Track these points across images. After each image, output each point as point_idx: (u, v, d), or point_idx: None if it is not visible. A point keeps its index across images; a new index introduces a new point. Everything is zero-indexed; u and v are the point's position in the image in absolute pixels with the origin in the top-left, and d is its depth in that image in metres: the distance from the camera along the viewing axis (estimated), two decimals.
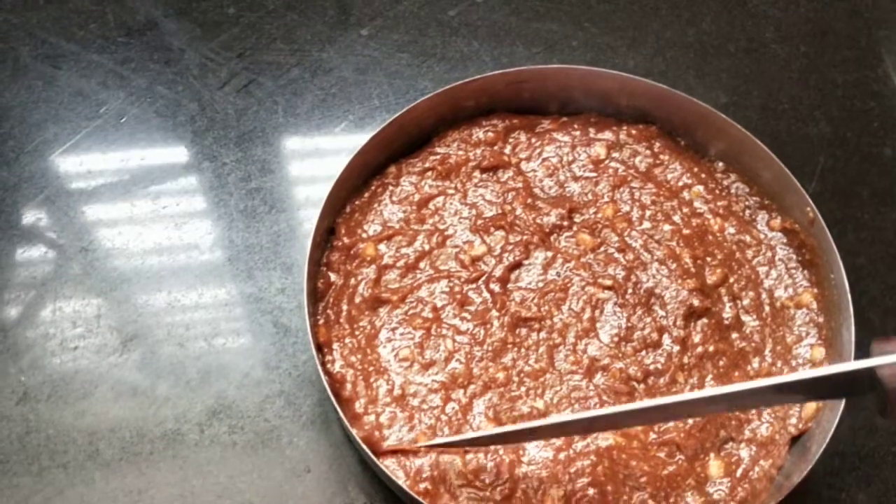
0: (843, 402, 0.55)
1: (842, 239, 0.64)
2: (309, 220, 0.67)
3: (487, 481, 0.55)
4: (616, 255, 0.63)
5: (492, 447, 0.55)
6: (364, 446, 0.53)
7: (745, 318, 0.62)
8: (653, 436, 0.57)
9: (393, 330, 0.60)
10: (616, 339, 0.60)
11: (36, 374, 0.61)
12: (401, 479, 0.53)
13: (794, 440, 0.58)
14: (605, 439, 0.56)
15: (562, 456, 0.56)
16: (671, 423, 0.57)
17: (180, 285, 0.65)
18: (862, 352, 0.58)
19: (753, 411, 0.58)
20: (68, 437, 0.59)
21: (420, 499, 0.52)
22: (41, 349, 0.62)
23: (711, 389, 0.49)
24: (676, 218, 0.65)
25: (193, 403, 0.60)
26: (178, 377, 0.61)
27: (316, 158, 0.71)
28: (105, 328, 0.63)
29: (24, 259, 0.65)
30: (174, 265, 0.66)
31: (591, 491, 0.55)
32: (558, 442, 0.56)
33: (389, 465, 0.54)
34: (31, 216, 0.67)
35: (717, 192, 0.67)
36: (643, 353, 0.60)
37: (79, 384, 0.60)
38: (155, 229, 0.67)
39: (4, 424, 0.59)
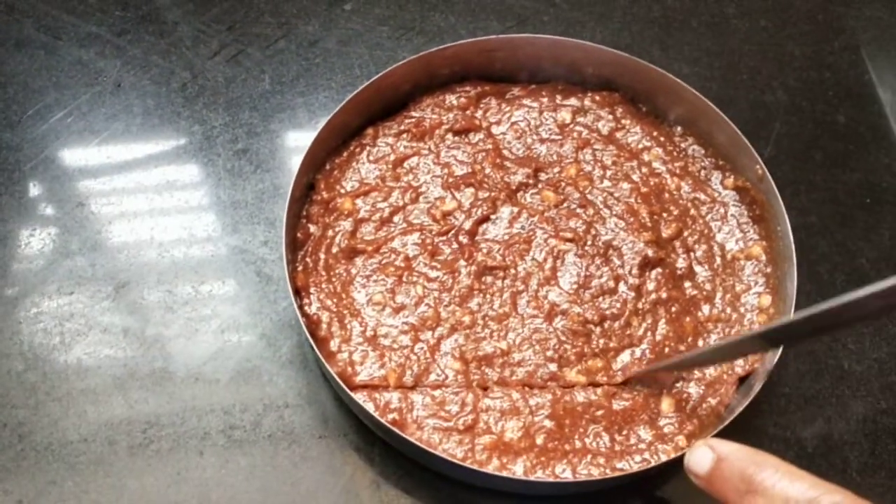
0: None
1: (795, 199, 0.67)
2: (292, 179, 0.71)
3: (453, 412, 0.58)
4: (577, 210, 0.66)
5: (458, 383, 0.58)
6: (338, 380, 0.56)
7: (697, 268, 0.65)
8: (617, 379, 0.60)
9: (367, 277, 0.63)
10: (575, 286, 0.63)
11: (33, 317, 0.64)
12: (371, 410, 0.56)
13: (742, 381, 0.61)
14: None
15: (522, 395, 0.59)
16: (629, 362, 0.60)
17: (170, 238, 0.68)
18: (806, 298, 0.62)
19: None
20: (63, 374, 0.62)
21: (390, 427, 0.55)
22: (39, 295, 0.65)
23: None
24: (635, 177, 0.68)
25: (181, 345, 0.63)
26: (168, 321, 0.64)
27: (299, 123, 0.74)
28: (99, 275, 0.66)
29: (24, 212, 0.68)
30: (165, 219, 0.69)
31: (548, 423, 0.58)
32: (520, 374, 0.59)
33: (361, 398, 0.57)
34: (31, 174, 0.70)
35: (675, 153, 0.70)
36: (600, 298, 0.63)
37: (73, 326, 0.64)
38: (147, 186, 0.70)
39: (4, 362, 0.62)
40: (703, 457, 0.47)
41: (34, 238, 0.67)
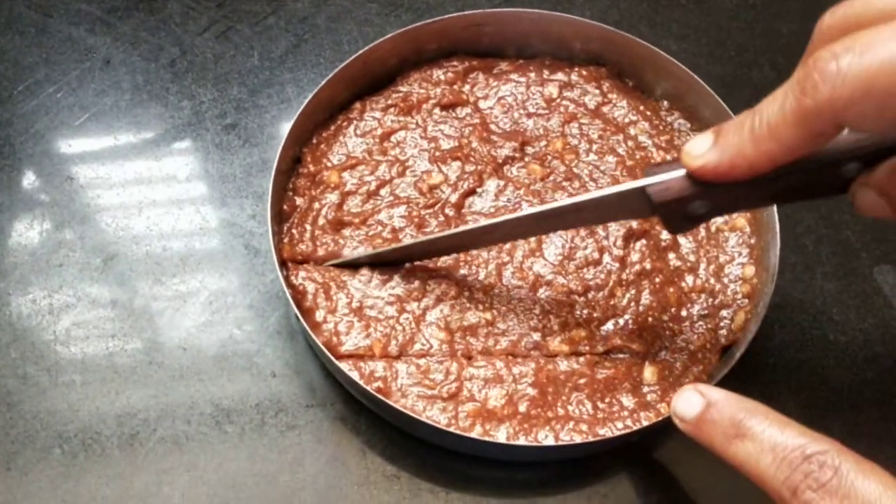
0: (763, 313, 0.58)
1: None
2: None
3: (437, 380, 0.58)
4: (563, 183, 0.67)
5: (443, 353, 0.59)
6: (324, 350, 0.57)
7: (681, 240, 0.65)
8: (599, 348, 0.60)
9: (354, 249, 0.63)
10: (560, 257, 0.63)
11: (22, 289, 0.64)
12: (356, 378, 0.57)
13: (725, 351, 0.61)
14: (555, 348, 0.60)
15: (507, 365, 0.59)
16: (612, 332, 0.61)
17: (158, 211, 0.68)
18: (791, 269, 0.62)
19: (686, 323, 0.62)
20: (51, 345, 0.62)
21: (374, 394, 0.55)
22: (28, 268, 0.65)
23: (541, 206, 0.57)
24: (621, 150, 0.68)
25: (169, 316, 0.64)
26: (156, 293, 0.65)
27: (288, 98, 0.75)
28: (88, 248, 0.66)
29: (14, 186, 0.69)
30: (153, 193, 0.69)
31: (531, 391, 0.58)
32: (504, 343, 0.60)
33: (346, 367, 0.58)
34: (21, 149, 0.70)
35: (661, 127, 0.70)
36: (584, 269, 0.63)
37: (62, 297, 0.64)
38: (136, 161, 0.71)
39: None
40: (691, 401, 0.47)
41: (23, 211, 0.68)
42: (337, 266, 0.62)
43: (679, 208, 0.49)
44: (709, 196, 0.48)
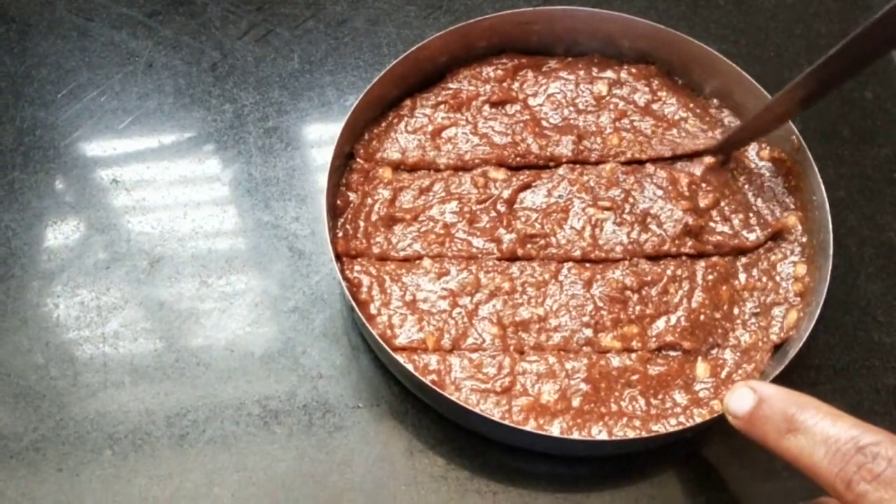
0: (817, 312, 0.61)
1: (823, 174, 0.70)
2: (322, 156, 0.76)
3: (490, 374, 0.62)
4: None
5: (495, 347, 0.63)
6: (380, 341, 0.61)
7: None
8: (652, 345, 0.64)
9: (408, 245, 0.68)
10: (621, 249, 0.67)
11: (70, 291, 0.69)
12: (411, 370, 0.60)
13: (777, 349, 0.64)
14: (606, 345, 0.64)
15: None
16: (664, 329, 0.64)
17: (203, 214, 0.73)
18: (835, 271, 0.64)
19: (738, 320, 0.65)
20: (101, 346, 0.67)
21: (430, 386, 0.59)
22: (76, 269, 0.70)
23: None
24: None
25: (216, 318, 0.68)
26: (202, 295, 0.69)
27: (328, 101, 0.80)
28: (134, 251, 0.71)
29: (60, 190, 0.74)
30: (197, 196, 0.74)
31: (584, 386, 0.61)
32: (556, 339, 0.63)
33: (401, 359, 0.62)
34: (66, 152, 0.75)
35: (712, 125, 0.74)
36: (642, 265, 0.67)
37: (110, 299, 0.69)
38: (180, 163, 0.75)
39: (42, 334, 0.67)
40: (743, 397, 0.50)
41: (69, 215, 0.72)
42: None
43: None
44: None
